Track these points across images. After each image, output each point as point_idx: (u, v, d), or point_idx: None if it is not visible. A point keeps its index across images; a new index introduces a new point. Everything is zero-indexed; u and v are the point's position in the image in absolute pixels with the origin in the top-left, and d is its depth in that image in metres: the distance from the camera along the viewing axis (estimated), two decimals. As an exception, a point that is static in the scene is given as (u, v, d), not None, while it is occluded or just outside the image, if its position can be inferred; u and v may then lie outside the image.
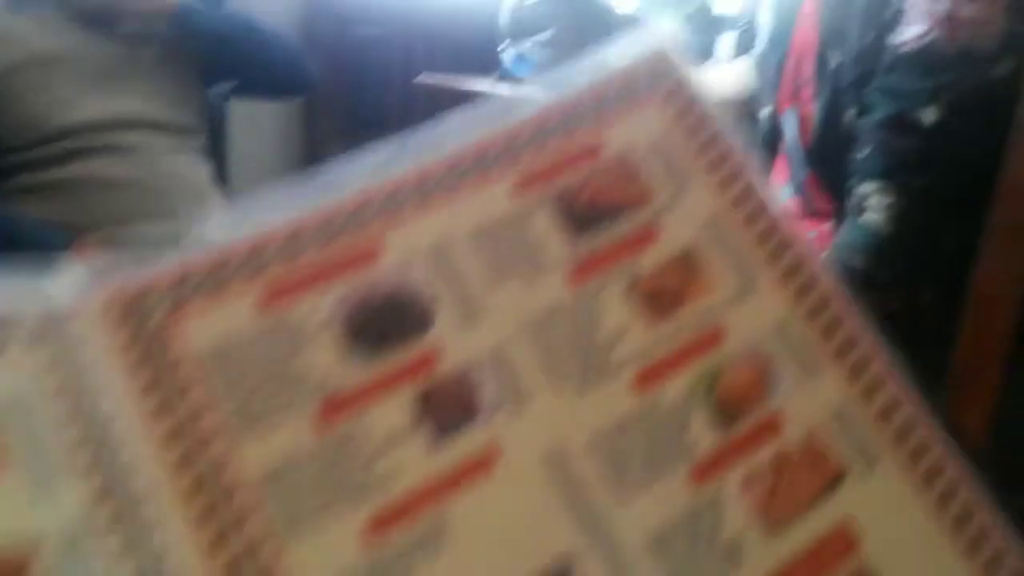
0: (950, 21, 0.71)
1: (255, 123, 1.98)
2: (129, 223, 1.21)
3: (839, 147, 0.82)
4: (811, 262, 0.28)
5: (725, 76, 1.30)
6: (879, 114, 0.76)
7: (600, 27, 1.68)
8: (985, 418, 0.74)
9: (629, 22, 1.72)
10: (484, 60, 1.97)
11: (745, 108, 1.16)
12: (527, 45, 1.70)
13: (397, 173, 0.27)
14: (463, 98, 1.77)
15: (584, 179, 0.28)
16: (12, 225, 1.15)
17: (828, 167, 0.86)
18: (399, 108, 2.37)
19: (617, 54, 0.29)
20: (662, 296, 0.27)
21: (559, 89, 0.29)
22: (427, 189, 0.27)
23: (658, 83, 0.29)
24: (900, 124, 0.74)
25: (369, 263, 0.26)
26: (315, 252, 0.25)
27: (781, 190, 0.98)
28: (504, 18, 1.78)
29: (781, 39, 0.96)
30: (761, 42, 1.04)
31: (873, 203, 0.76)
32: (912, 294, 0.81)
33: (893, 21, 0.76)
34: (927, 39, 0.72)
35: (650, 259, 0.27)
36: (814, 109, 0.86)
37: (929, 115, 0.73)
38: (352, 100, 2.24)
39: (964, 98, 0.72)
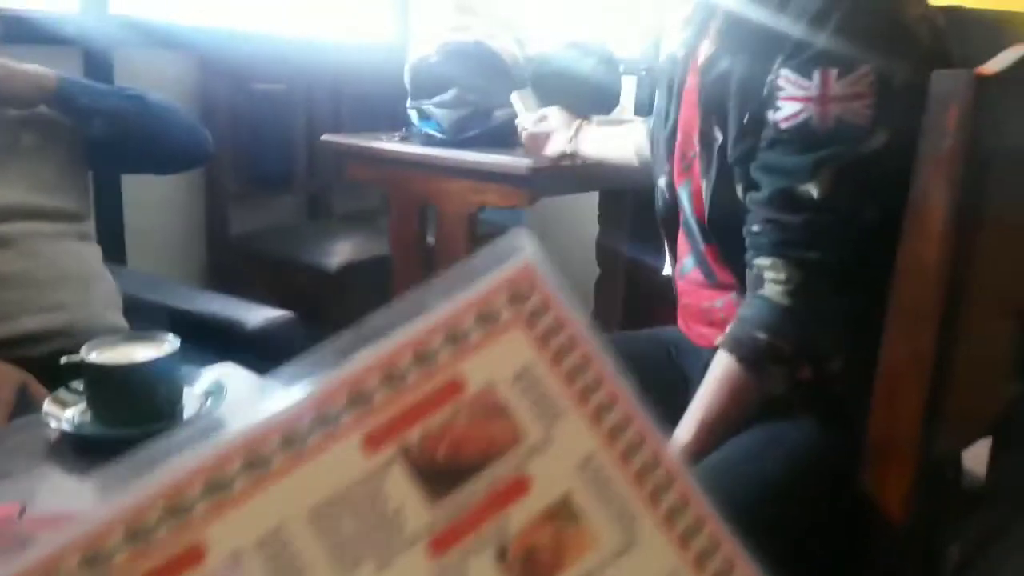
0: (821, 99, 0.72)
1: (152, 191, 1.90)
2: (14, 319, 1.14)
3: (733, 221, 0.83)
4: (695, 499, 0.25)
5: (620, 139, 1.32)
6: (765, 191, 0.77)
7: (502, 84, 1.68)
8: (903, 493, 0.74)
9: (534, 75, 1.73)
10: (392, 114, 1.95)
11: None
12: (431, 104, 1.68)
13: (222, 447, 0.23)
14: (370, 156, 1.73)
15: (444, 425, 0.25)
16: None
17: (725, 240, 0.86)
18: (305, 166, 2.32)
19: (473, 272, 0.26)
20: (537, 559, 0.24)
21: (412, 318, 0.26)
22: (259, 462, 0.23)
23: (520, 304, 0.27)
24: (786, 200, 0.75)
25: (191, 568, 0.22)
26: (128, 561, 0.22)
27: (686, 261, 0.98)
28: (407, 75, 1.75)
29: (669, 112, 0.97)
30: (655, 113, 1.06)
31: (770, 277, 0.77)
32: (819, 364, 0.81)
33: (769, 99, 0.77)
34: (801, 117, 0.74)
35: (521, 515, 0.24)
36: (704, 185, 0.87)
37: (813, 190, 0.74)
38: (256, 159, 2.17)
39: (844, 171, 0.74)
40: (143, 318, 1.32)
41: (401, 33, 2.65)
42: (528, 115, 1.52)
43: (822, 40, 0.72)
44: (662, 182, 1.00)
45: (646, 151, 1.19)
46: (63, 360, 0.76)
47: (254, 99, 2.15)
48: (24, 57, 1.20)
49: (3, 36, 1.34)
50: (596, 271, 2.29)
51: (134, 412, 0.72)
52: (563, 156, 1.42)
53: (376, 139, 1.75)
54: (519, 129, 1.53)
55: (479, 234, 1.68)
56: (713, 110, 0.84)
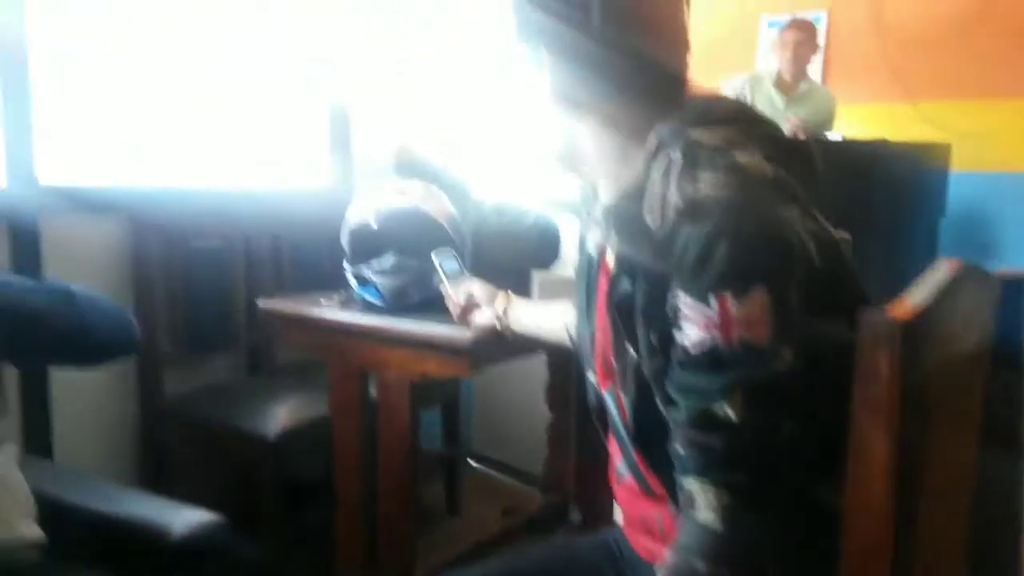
0: (722, 324, 0.72)
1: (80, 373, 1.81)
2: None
3: (657, 435, 0.81)
4: None
5: (553, 319, 1.29)
6: (684, 412, 0.76)
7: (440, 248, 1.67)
8: None
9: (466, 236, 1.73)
10: (333, 261, 1.92)
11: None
12: (370, 270, 1.66)
13: None
14: (309, 324, 1.70)
15: None
16: None
17: (651, 453, 0.85)
18: (244, 321, 2.27)
19: None
20: None
21: None
22: None
23: None
24: (704, 421, 0.74)
25: None
26: None
27: (619, 466, 0.95)
28: (345, 238, 1.74)
29: (587, 313, 0.97)
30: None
31: (701, 502, 0.75)
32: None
33: (674, 320, 0.76)
34: (707, 342, 0.73)
35: None
36: (624, 398, 0.85)
37: (729, 411, 0.73)
38: (192, 318, 2.12)
39: (756, 391, 0.73)
40: (62, 524, 1.23)
41: (342, 176, 2.67)
42: (450, 286, 1.49)
43: (714, 266, 0.72)
44: (591, 378, 0.98)
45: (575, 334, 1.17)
46: None
47: (190, 257, 2.11)
48: None
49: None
50: (548, 416, 2.26)
51: None
52: (493, 332, 1.39)
53: (315, 304, 1.72)
54: (444, 296, 1.50)
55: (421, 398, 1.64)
56: (623, 329, 0.83)
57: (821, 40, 3.74)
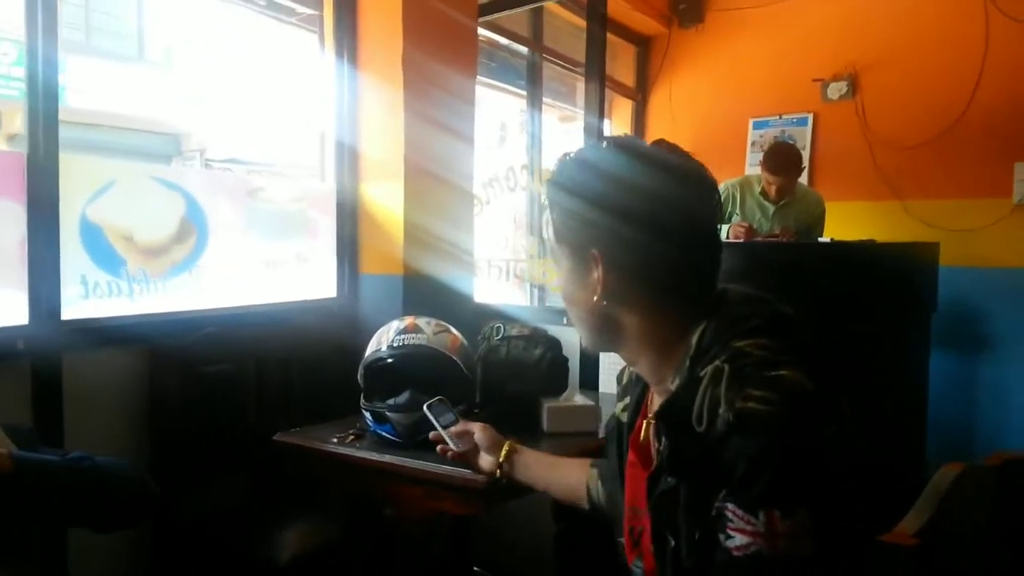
0: (769, 536, 0.77)
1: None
2: None
3: None
4: None
5: (567, 473, 1.32)
6: None
7: (456, 384, 1.73)
8: None
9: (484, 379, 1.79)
10: (339, 389, 1.97)
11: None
12: (385, 407, 1.71)
13: None
14: (325, 458, 1.73)
15: None
16: None
17: None
18: (255, 439, 2.29)
19: None
20: None
21: None
22: None
23: None
24: None
25: None
26: None
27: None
28: (360, 374, 1.79)
29: (620, 480, 1.01)
30: None
31: None
32: None
33: (718, 522, 0.81)
34: (752, 550, 0.78)
35: None
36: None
37: None
38: (206, 440, 2.14)
39: None
40: None
41: (348, 289, 2.73)
42: (448, 435, 1.48)
43: (763, 484, 0.78)
44: (621, 541, 1.02)
45: (598, 495, 1.21)
46: None
47: (203, 382, 2.15)
48: None
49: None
50: (553, 526, 2.27)
51: None
52: (496, 479, 1.41)
53: (330, 440, 1.76)
54: (438, 447, 1.49)
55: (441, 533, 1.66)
56: (664, 520, 0.87)
57: (807, 142, 3.89)
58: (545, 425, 1.80)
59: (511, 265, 3.03)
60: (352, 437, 1.77)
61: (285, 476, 2.37)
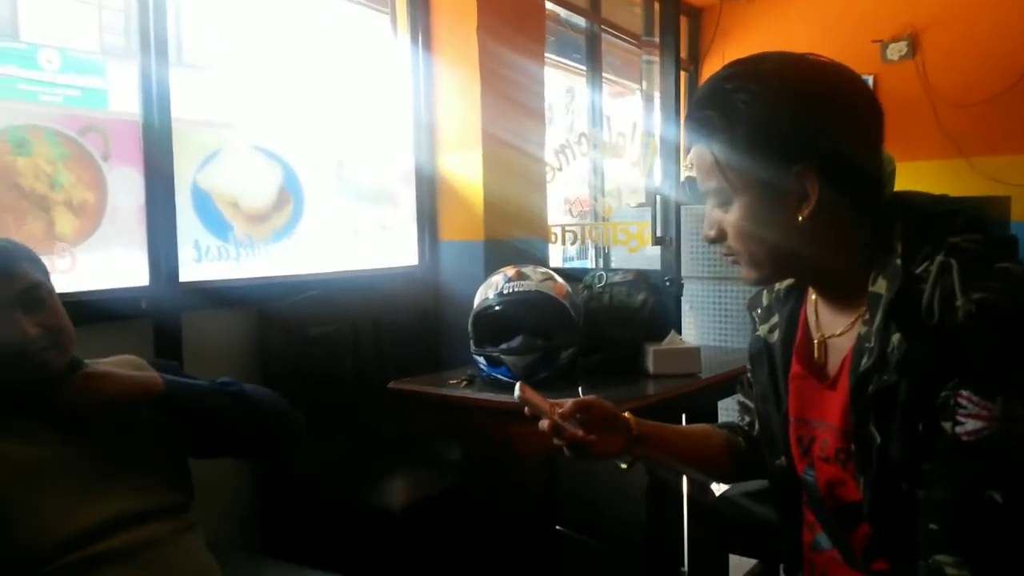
0: (1005, 420, 0.79)
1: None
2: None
3: (895, 515, 0.87)
4: None
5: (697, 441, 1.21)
6: (945, 494, 0.82)
7: (564, 326, 1.78)
8: None
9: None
10: (428, 351, 2.02)
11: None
12: (498, 351, 1.77)
13: None
14: (441, 402, 1.80)
15: None
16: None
17: (884, 532, 0.91)
18: (354, 400, 2.37)
19: None
20: None
21: None
22: None
23: None
24: (970, 506, 0.80)
25: None
26: None
27: (819, 539, 1.02)
28: (471, 323, 1.86)
29: (779, 397, 1.04)
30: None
31: (952, 573, 0.81)
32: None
33: (943, 410, 0.82)
34: (984, 433, 0.80)
35: None
36: (861, 481, 0.91)
37: (996, 496, 0.79)
38: (310, 399, 2.23)
39: None
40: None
41: (428, 256, 2.81)
42: (549, 415, 1.08)
43: (1005, 369, 0.80)
44: (779, 462, 1.06)
45: (741, 448, 1.19)
46: None
47: (307, 342, 2.24)
48: (99, 333, 1.25)
49: (79, 318, 1.32)
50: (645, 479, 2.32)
51: None
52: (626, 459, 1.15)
53: (444, 386, 1.83)
54: (541, 423, 1.09)
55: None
56: (874, 415, 0.88)
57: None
58: (651, 367, 1.85)
59: (580, 230, 3.08)
60: (465, 383, 1.84)
61: (385, 430, 2.46)
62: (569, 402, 1.09)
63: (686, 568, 2.21)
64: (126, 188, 1.92)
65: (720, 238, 0.97)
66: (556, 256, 3.31)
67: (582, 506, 2.65)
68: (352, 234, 2.60)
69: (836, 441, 0.95)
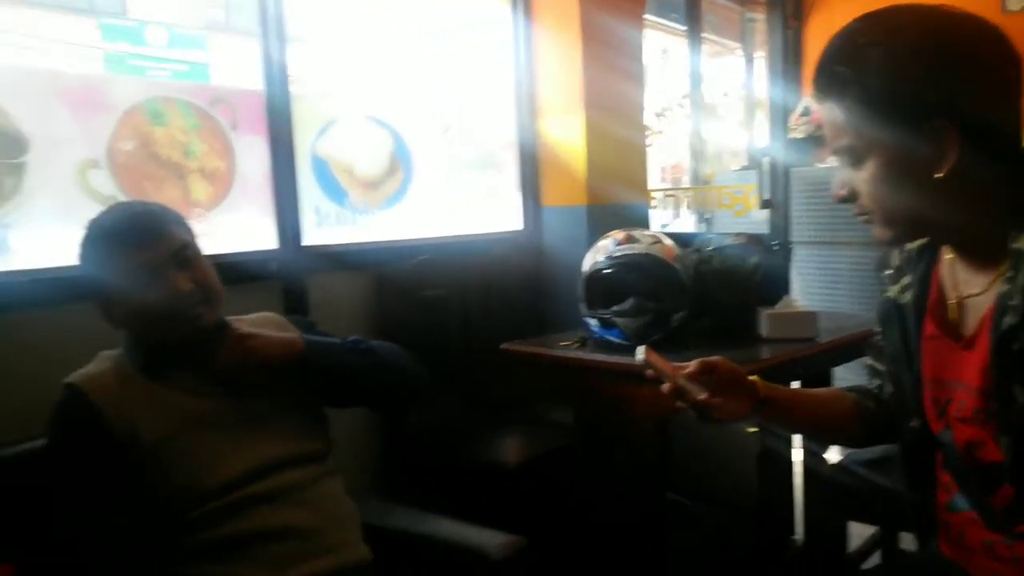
0: None
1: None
2: (292, 567, 1.23)
3: None
4: None
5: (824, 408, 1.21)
6: None
7: (674, 289, 1.79)
8: None
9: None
10: (532, 314, 2.04)
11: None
12: (610, 313, 1.80)
13: None
14: (553, 363, 1.84)
15: None
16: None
17: None
18: (464, 362, 2.44)
19: None
20: None
21: None
22: None
23: None
24: None
25: None
26: None
27: (956, 499, 1.02)
28: (581, 285, 1.89)
29: (911, 357, 1.03)
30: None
31: None
32: None
33: None
34: None
35: None
36: (999, 441, 0.90)
37: None
38: (421, 359, 2.31)
39: None
40: (383, 544, 1.39)
41: (531, 220, 2.84)
42: (673, 378, 1.08)
43: None
44: (911, 423, 1.05)
45: (870, 412, 1.18)
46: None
47: (421, 304, 2.31)
48: (235, 294, 1.34)
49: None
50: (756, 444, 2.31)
51: None
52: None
53: (556, 347, 1.87)
54: (663, 386, 1.10)
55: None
56: (1018, 375, 0.87)
57: None
58: (764, 331, 1.84)
59: (681, 195, 3.05)
60: (576, 344, 1.87)
61: (493, 390, 2.53)
62: (694, 363, 1.08)
63: (798, 536, 2.20)
64: (253, 156, 2.03)
65: (851, 197, 0.95)
66: (655, 222, 3.29)
67: (693, 471, 2.66)
68: (459, 200, 2.66)
69: (974, 401, 0.94)
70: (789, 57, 4.70)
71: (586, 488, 1.84)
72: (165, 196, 1.85)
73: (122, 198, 1.72)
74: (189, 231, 1.31)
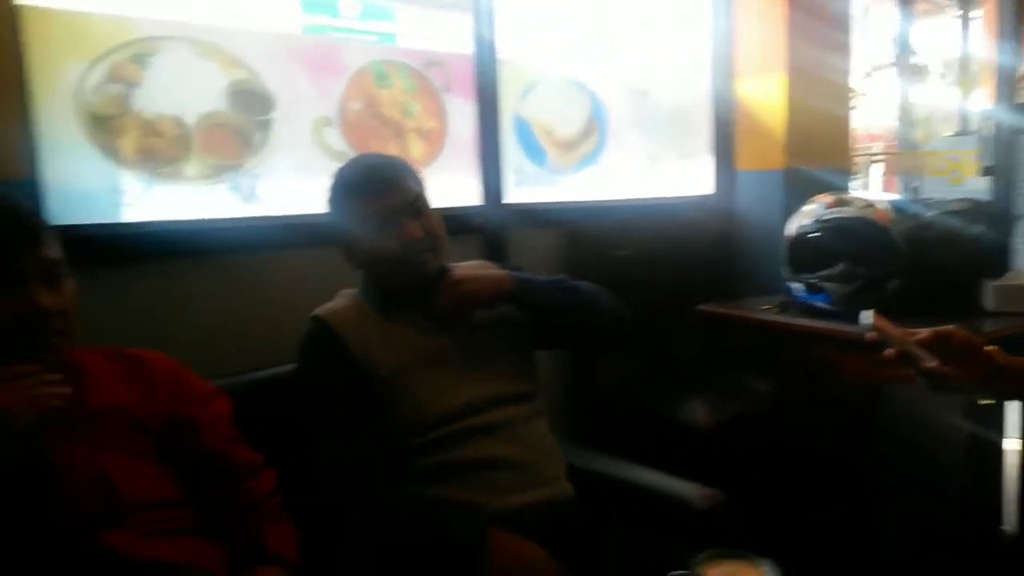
0: None
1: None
2: (509, 495, 1.32)
3: None
4: None
5: None
6: None
7: (888, 256, 1.71)
8: None
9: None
10: (721, 278, 2.01)
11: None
12: (818, 278, 1.75)
13: None
14: (754, 327, 1.83)
15: None
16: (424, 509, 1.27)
17: None
18: (648, 322, 2.46)
19: None
20: None
21: None
22: None
23: None
24: None
25: None
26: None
27: None
28: (784, 249, 1.85)
29: None
30: None
31: None
32: None
33: None
34: None
35: None
36: None
37: None
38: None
39: None
40: (577, 483, 1.45)
41: (724, 185, 2.79)
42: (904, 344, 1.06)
43: None
44: None
45: None
46: (672, 574, 0.88)
47: (611, 264, 2.35)
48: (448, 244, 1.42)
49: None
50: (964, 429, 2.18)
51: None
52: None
53: (755, 310, 1.85)
54: (886, 352, 1.08)
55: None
56: None
57: None
58: (990, 304, 1.72)
59: (890, 160, 2.87)
60: (776, 308, 1.84)
61: (677, 351, 2.54)
62: (926, 331, 1.05)
63: (1009, 526, 2.06)
64: (462, 117, 2.13)
65: None
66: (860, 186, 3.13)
67: (899, 444, 2.54)
68: (651, 162, 2.66)
69: None
70: (1015, 17, 4.27)
71: (784, 455, 1.82)
72: (387, 153, 1.99)
73: (351, 154, 1.87)
74: (420, 183, 1.41)
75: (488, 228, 2.13)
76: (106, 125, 1.59)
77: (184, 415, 1.20)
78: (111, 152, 1.60)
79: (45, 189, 1.48)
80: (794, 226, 1.83)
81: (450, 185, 2.11)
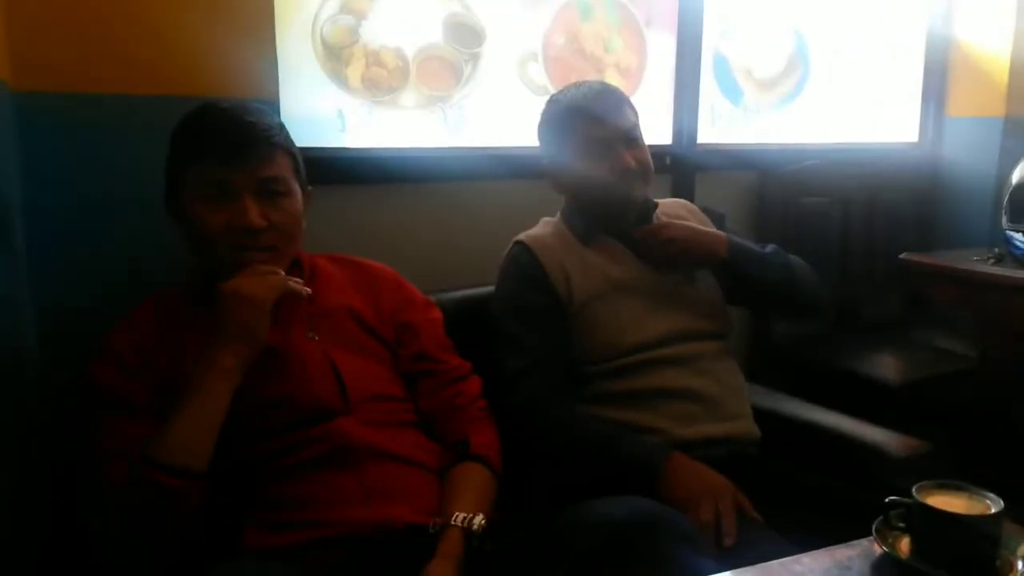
0: None
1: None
2: (698, 425, 1.34)
3: None
4: None
5: None
6: None
7: None
8: None
9: None
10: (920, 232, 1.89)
11: None
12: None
13: None
14: (958, 278, 1.73)
15: None
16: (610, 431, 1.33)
17: None
18: (838, 275, 2.37)
19: None
20: None
21: None
22: None
23: None
24: None
25: None
26: None
27: None
28: (1006, 198, 1.73)
29: None
30: None
31: None
32: None
33: None
34: None
35: None
36: None
37: None
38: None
39: None
40: (763, 424, 1.45)
41: (934, 133, 2.60)
42: None
43: None
44: None
45: None
46: (889, 499, 0.88)
47: (801, 211, 2.28)
48: None
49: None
50: None
51: (955, 559, 0.81)
52: None
53: (966, 261, 1.75)
54: None
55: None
56: None
57: None
58: None
59: None
60: (991, 259, 1.73)
61: (867, 308, 2.43)
62: None
63: None
64: (661, 53, 2.11)
65: None
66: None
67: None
68: (851, 105, 2.52)
69: None
70: None
71: (986, 418, 1.73)
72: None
73: (552, 89, 1.91)
74: (637, 114, 1.44)
75: (676, 168, 2.12)
76: (336, 54, 1.72)
77: (405, 320, 1.31)
78: (339, 80, 1.73)
79: (282, 112, 1.63)
80: (1019, 174, 1.70)
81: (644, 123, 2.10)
